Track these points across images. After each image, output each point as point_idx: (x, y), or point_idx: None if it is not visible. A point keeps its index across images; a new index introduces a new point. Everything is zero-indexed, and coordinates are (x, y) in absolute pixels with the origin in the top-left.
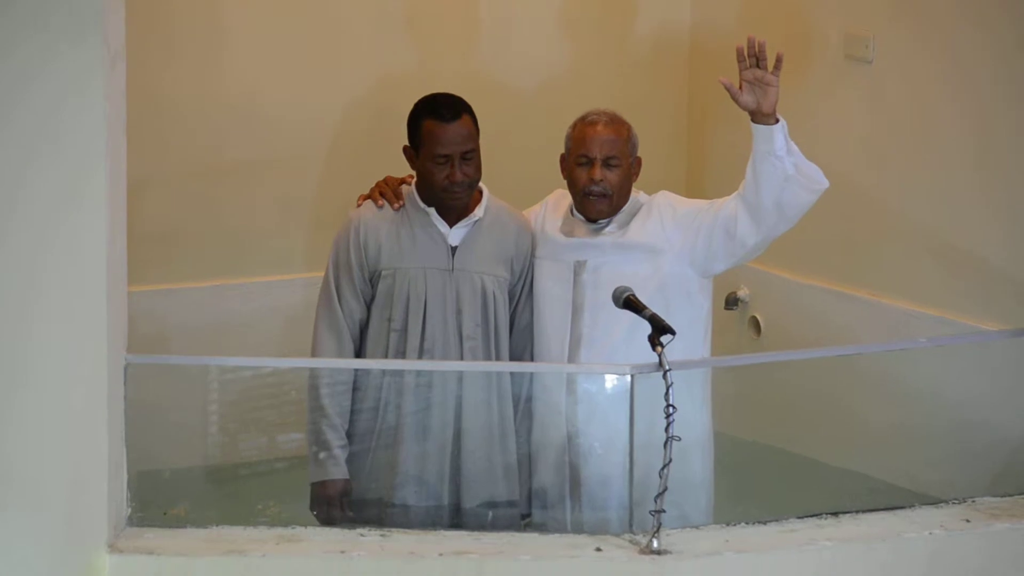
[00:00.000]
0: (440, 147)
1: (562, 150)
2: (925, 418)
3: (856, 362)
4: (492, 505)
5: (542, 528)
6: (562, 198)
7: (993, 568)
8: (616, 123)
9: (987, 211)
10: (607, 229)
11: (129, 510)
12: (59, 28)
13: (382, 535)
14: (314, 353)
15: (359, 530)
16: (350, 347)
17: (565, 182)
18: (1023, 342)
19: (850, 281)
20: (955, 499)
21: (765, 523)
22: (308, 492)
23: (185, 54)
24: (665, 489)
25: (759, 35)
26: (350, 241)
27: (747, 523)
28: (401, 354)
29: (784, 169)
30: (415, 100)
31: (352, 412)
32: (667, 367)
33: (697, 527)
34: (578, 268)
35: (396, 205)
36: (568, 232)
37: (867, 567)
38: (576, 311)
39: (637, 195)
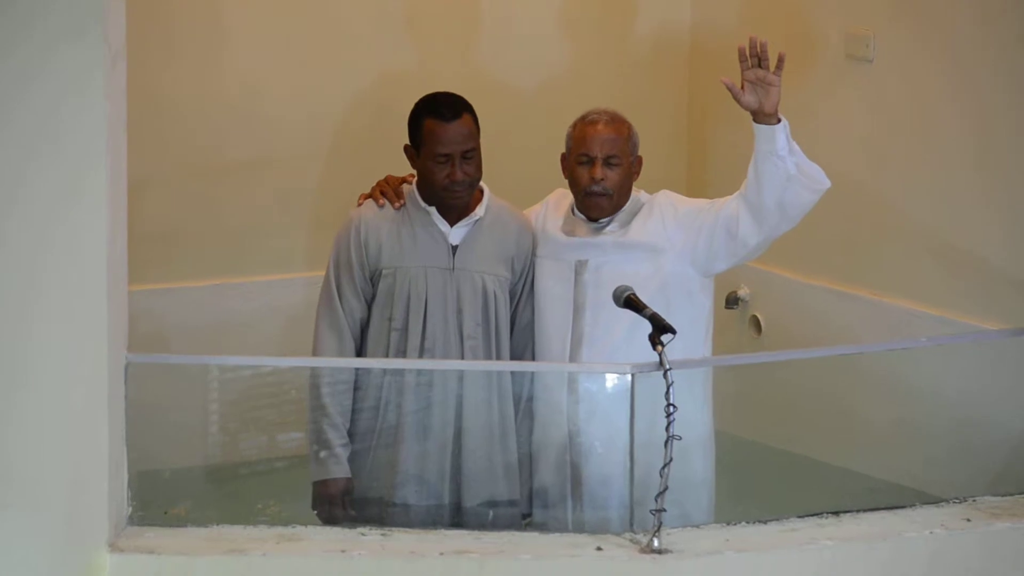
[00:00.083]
0: (441, 146)
1: (562, 149)
2: (926, 417)
3: (857, 361)
4: (493, 504)
5: (543, 527)
6: (563, 197)
7: (994, 567)
8: (617, 122)
9: (988, 211)
10: (608, 228)
11: (130, 509)
12: (59, 27)
13: (383, 534)
14: (315, 352)
15: (360, 529)
16: (351, 346)
17: (566, 181)
18: (1023, 341)
19: (851, 280)
20: (956, 498)
21: (766, 522)
22: (309, 491)
23: (185, 53)
24: (666, 488)
25: (759, 35)
26: (351, 240)
27: (748, 522)
28: (402, 353)
29: (786, 169)
30: (415, 99)
31: (353, 411)
32: (668, 366)
33: (698, 526)
34: (579, 267)
35: (397, 204)
36: (569, 231)
37: (868, 566)
38: (577, 310)
39: (638, 194)
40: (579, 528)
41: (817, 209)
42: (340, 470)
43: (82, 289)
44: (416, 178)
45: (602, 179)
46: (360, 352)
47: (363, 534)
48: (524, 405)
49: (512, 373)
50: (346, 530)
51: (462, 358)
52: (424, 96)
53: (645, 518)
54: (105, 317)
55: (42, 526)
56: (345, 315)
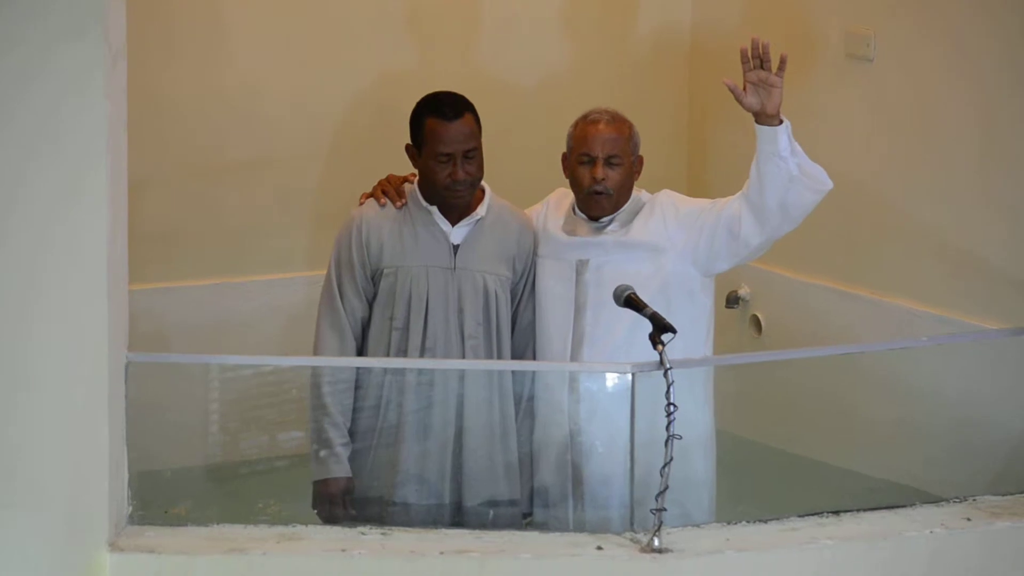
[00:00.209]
0: (442, 145)
1: (563, 149)
2: (926, 417)
3: (857, 361)
4: (493, 504)
5: (543, 527)
6: (564, 197)
7: (994, 567)
8: (618, 121)
9: (989, 210)
10: (609, 228)
11: (130, 508)
12: (60, 26)
13: (383, 533)
14: (316, 351)
15: (360, 528)
16: (352, 345)
17: (566, 181)
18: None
19: (851, 280)
20: (956, 498)
21: (766, 522)
22: (309, 490)
23: (185, 53)
24: (666, 487)
25: (760, 34)
26: (352, 239)
27: (748, 522)
28: (403, 352)
29: (788, 170)
30: (416, 99)
31: (354, 410)
32: (668, 365)
33: (698, 526)
34: (580, 267)
35: (398, 203)
36: (570, 231)
37: (868, 566)
38: (578, 310)
39: (639, 194)
40: (580, 527)
41: (818, 209)
42: (341, 469)
43: (82, 288)
44: (417, 177)
45: (603, 179)
46: (361, 351)
47: (363, 533)
48: (525, 404)
49: (513, 372)
50: (346, 529)
51: (463, 357)
52: (426, 95)
53: (646, 517)
54: (105, 316)
55: (42, 525)
56: (346, 314)
